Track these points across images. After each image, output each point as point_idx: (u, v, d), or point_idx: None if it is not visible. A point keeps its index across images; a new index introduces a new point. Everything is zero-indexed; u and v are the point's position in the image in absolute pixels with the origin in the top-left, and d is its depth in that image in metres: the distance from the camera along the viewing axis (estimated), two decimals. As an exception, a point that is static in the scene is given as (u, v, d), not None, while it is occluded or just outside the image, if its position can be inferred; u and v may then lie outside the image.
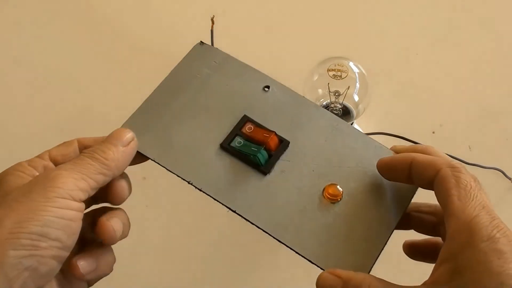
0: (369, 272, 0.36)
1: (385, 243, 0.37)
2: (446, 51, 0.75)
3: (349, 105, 0.58)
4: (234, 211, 0.38)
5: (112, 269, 0.36)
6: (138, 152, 0.37)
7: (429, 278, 0.31)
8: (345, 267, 0.34)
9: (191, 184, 0.38)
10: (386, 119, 0.70)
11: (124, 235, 0.35)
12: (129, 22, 0.79)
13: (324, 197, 0.38)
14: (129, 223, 0.36)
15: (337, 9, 0.79)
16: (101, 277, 0.36)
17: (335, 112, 0.58)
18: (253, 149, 0.38)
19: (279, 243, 0.37)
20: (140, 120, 0.40)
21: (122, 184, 0.35)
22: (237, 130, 0.40)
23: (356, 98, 0.57)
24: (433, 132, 0.70)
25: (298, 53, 0.75)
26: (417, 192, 0.39)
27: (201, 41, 0.45)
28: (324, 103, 0.59)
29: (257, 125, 0.40)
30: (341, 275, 0.32)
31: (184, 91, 0.42)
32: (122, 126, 0.39)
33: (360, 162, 0.39)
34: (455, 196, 0.31)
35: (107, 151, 0.33)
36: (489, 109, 0.71)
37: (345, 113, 0.58)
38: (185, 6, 0.80)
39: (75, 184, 0.31)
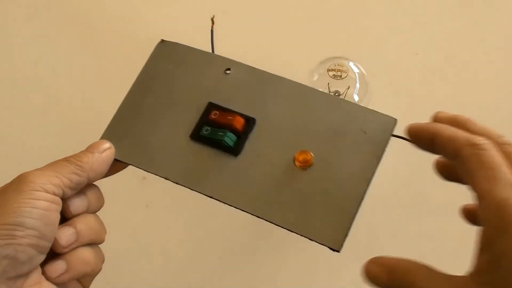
0: (349, 229, 0.36)
1: (363, 198, 0.38)
2: (446, 51, 0.75)
3: None
4: (212, 197, 0.39)
5: (101, 268, 0.37)
6: (115, 159, 0.39)
7: (473, 267, 0.29)
8: (325, 231, 0.36)
9: (168, 179, 0.39)
10: (386, 119, 0.70)
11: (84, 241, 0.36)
12: (129, 23, 0.79)
13: (296, 165, 0.38)
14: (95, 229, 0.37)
15: (338, 9, 0.79)
16: (90, 275, 0.36)
17: None
18: (220, 133, 0.39)
19: (273, 227, 0.38)
20: (115, 128, 0.41)
21: (98, 193, 0.38)
22: (204, 118, 0.41)
23: (356, 98, 0.57)
24: (433, 132, 0.70)
25: (298, 53, 0.75)
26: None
27: (162, 39, 0.46)
28: None
29: (222, 109, 0.41)
30: (385, 263, 0.31)
31: (152, 91, 0.43)
32: (100, 138, 0.41)
33: (329, 124, 0.40)
34: (481, 177, 0.29)
35: (82, 156, 0.36)
36: (489, 109, 0.71)
37: None
38: (185, 7, 0.80)
39: (48, 180, 0.33)
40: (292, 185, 0.38)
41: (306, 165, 0.38)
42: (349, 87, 0.56)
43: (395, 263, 0.31)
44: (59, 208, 0.33)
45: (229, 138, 0.39)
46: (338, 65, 0.56)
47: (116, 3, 0.80)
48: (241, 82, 0.42)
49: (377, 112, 0.41)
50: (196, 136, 0.40)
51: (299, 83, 0.41)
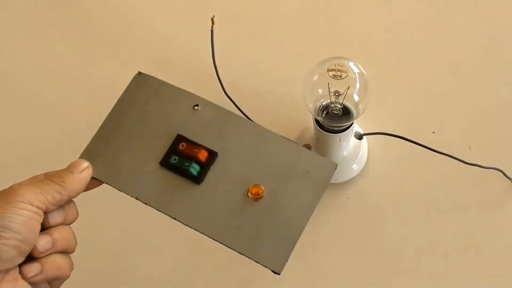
0: (289, 257, 0.42)
1: (302, 230, 0.43)
2: (446, 51, 0.75)
3: (349, 105, 0.58)
4: (175, 219, 0.44)
5: (69, 275, 0.42)
6: (92, 177, 0.44)
7: None
8: (270, 255, 0.42)
9: (138, 199, 0.45)
10: (386, 119, 0.70)
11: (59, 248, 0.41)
12: (128, 23, 0.79)
13: (249, 196, 0.44)
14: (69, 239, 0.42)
15: (338, 9, 0.79)
16: (60, 279, 0.41)
17: (335, 112, 0.58)
18: (186, 164, 0.45)
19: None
20: (93, 150, 0.47)
21: (74, 208, 0.43)
22: (172, 148, 0.46)
23: (356, 98, 0.57)
24: (433, 132, 0.70)
25: (298, 53, 0.75)
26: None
27: (139, 72, 0.50)
28: (324, 103, 0.59)
29: (189, 142, 0.46)
30: None
31: (128, 118, 0.48)
32: (79, 157, 0.46)
33: (280, 163, 0.46)
34: None
35: (64, 176, 0.41)
36: (489, 109, 0.71)
37: (345, 113, 0.58)
38: (185, 7, 0.80)
39: (34, 196, 0.38)
40: (245, 214, 0.44)
41: (257, 197, 0.44)
42: (349, 87, 0.56)
43: None
44: (41, 219, 0.39)
45: (194, 168, 0.45)
46: (338, 65, 0.56)
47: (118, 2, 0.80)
48: (207, 119, 0.48)
49: (322, 157, 0.47)
50: (165, 163, 0.46)
51: (259, 125, 0.47)
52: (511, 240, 0.64)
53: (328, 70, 0.56)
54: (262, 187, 0.45)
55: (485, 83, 0.73)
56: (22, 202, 0.37)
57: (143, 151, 0.47)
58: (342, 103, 0.58)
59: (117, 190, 0.46)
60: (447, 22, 0.78)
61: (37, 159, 0.69)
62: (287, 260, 0.43)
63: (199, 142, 0.46)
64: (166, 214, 0.45)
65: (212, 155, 0.46)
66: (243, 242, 0.43)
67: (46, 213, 0.40)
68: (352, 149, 0.66)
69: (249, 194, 0.44)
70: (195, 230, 0.44)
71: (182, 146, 0.46)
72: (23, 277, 0.38)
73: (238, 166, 0.46)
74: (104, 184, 0.46)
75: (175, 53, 0.76)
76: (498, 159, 0.66)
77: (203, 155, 0.45)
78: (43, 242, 0.39)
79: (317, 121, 0.60)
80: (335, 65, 0.56)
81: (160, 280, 0.64)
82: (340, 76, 0.56)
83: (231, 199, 0.45)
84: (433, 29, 0.77)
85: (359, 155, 0.67)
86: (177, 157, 0.46)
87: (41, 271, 0.39)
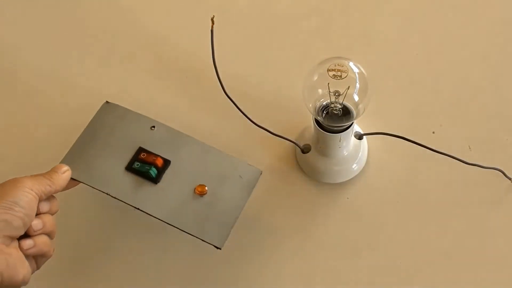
0: (228, 235, 0.56)
1: (238, 217, 0.57)
2: (446, 51, 0.75)
3: (349, 105, 0.58)
4: (138, 208, 0.57)
5: (52, 254, 0.53)
6: (72, 178, 0.57)
7: None
8: (213, 235, 0.55)
9: (109, 194, 0.57)
10: (386, 119, 0.70)
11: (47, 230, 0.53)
12: (127, 25, 0.79)
13: (196, 193, 0.58)
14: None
15: (338, 8, 0.79)
16: (45, 257, 0.52)
17: (335, 112, 0.58)
18: (147, 167, 0.58)
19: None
20: (71, 157, 0.60)
21: (56, 202, 0.55)
22: (135, 157, 0.60)
23: (356, 98, 0.57)
24: (433, 132, 0.70)
25: (298, 53, 0.75)
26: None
27: (106, 101, 0.63)
28: (324, 103, 0.59)
29: (148, 152, 0.60)
30: None
31: (98, 137, 0.61)
32: (60, 162, 0.58)
33: (219, 170, 0.59)
34: None
35: (52, 174, 0.55)
36: (489, 109, 0.71)
37: (345, 113, 0.58)
38: (184, 8, 0.80)
39: (32, 184, 0.51)
40: (192, 206, 0.58)
41: (202, 194, 0.58)
42: (349, 87, 0.56)
43: None
44: (37, 203, 0.51)
45: (153, 171, 0.58)
46: (338, 65, 0.56)
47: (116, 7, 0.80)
48: (162, 136, 0.61)
49: (251, 166, 0.60)
50: (130, 168, 0.59)
51: (202, 143, 0.61)
52: (511, 240, 0.64)
53: (328, 70, 0.56)
54: (206, 187, 0.58)
55: (485, 83, 0.73)
56: (27, 187, 0.50)
57: (112, 159, 0.60)
58: (342, 103, 0.58)
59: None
60: (447, 22, 0.78)
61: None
62: (226, 239, 0.56)
63: (156, 153, 0.60)
64: (131, 205, 0.57)
65: (166, 162, 0.59)
66: (192, 225, 0.56)
67: (39, 201, 0.52)
68: (352, 149, 0.66)
69: (195, 191, 0.58)
70: (153, 216, 0.56)
71: (143, 155, 0.59)
72: (21, 249, 0.50)
73: (187, 171, 0.59)
74: (80, 184, 0.58)
75: (175, 53, 0.76)
76: (498, 159, 0.66)
77: (159, 162, 0.59)
78: (36, 223, 0.51)
79: (317, 121, 0.60)
80: (335, 65, 0.56)
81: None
82: (340, 76, 0.56)
83: (182, 195, 0.58)
84: (433, 29, 0.77)
85: (359, 155, 0.67)
86: (139, 163, 0.59)
87: (34, 246, 0.51)
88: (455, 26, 0.77)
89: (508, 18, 0.78)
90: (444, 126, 0.70)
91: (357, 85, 0.57)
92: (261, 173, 0.60)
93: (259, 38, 0.77)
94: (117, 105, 0.63)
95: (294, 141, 0.65)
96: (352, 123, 0.60)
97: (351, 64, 0.57)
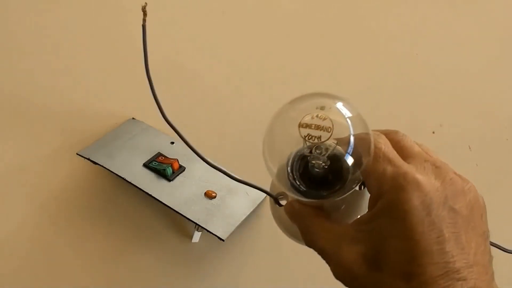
0: (231, 231, 0.60)
1: (243, 219, 0.62)
2: (446, 51, 0.75)
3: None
4: (153, 197, 0.61)
5: None
6: (94, 162, 0.62)
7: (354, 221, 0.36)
8: (218, 228, 0.60)
9: (125, 179, 0.62)
10: (386, 119, 0.71)
11: None
12: (127, 26, 0.79)
13: (205, 196, 0.64)
14: None
15: (338, 8, 0.79)
16: None
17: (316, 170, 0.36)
18: (164, 166, 0.64)
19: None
20: (95, 147, 0.65)
21: None
22: (154, 158, 0.65)
23: (351, 160, 0.35)
24: (433, 132, 0.70)
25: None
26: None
27: (133, 117, 0.70)
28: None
29: (166, 157, 0.66)
30: (295, 207, 0.38)
31: (122, 138, 0.67)
32: (84, 150, 0.64)
33: (229, 184, 0.64)
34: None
35: None
36: (489, 109, 0.71)
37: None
38: (184, 8, 0.80)
39: None
40: (202, 203, 0.63)
41: (211, 197, 0.63)
42: (337, 143, 0.35)
43: (299, 210, 0.38)
44: None
45: (169, 170, 0.64)
46: (317, 117, 0.33)
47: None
48: (180, 151, 0.66)
49: (256, 188, 0.56)
50: (147, 165, 0.65)
51: (213, 164, 0.59)
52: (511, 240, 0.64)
53: (300, 127, 0.34)
54: (215, 192, 0.64)
55: (485, 83, 0.73)
56: None
57: (132, 156, 0.65)
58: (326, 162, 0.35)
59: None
60: (447, 22, 0.78)
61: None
62: (229, 233, 0.60)
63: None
64: (144, 192, 0.61)
65: (182, 167, 0.65)
66: (200, 217, 0.61)
67: None
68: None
69: (206, 194, 0.64)
70: (166, 205, 0.61)
71: (161, 158, 0.65)
72: None
73: (199, 179, 0.65)
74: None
75: (171, 54, 0.76)
76: (498, 159, 0.66)
77: (176, 165, 0.64)
78: None
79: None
80: (312, 118, 0.34)
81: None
82: (320, 137, 0.34)
83: (193, 194, 0.63)
84: (433, 29, 0.77)
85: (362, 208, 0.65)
86: (157, 162, 0.65)
87: None
88: (456, 26, 0.77)
89: (508, 18, 0.78)
90: (444, 126, 0.70)
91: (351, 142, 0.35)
92: (265, 196, 0.62)
93: (259, 40, 0.77)
94: (141, 122, 0.70)
95: (267, 191, 0.42)
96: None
97: (339, 106, 0.35)
